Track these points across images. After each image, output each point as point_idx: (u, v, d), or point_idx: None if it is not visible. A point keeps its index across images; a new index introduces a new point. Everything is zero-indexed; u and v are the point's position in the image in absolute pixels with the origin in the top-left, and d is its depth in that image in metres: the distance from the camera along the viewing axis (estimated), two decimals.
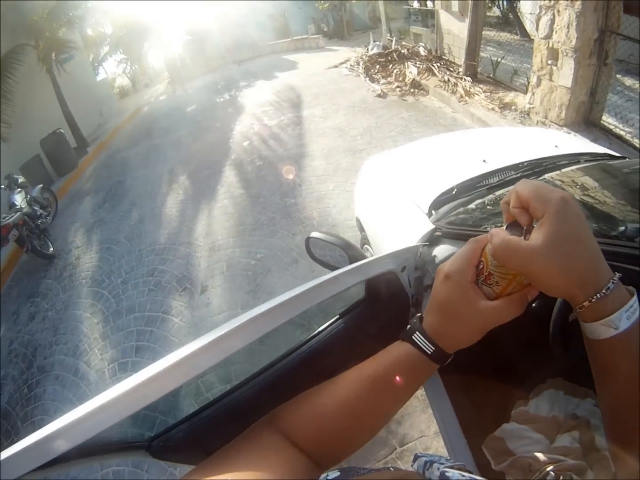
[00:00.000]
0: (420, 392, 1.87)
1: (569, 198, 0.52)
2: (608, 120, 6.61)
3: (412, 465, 0.72)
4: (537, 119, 6.54)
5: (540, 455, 1.43)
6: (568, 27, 5.55)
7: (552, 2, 5.70)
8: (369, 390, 0.66)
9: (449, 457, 0.86)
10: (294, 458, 0.62)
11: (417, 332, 0.64)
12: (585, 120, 6.24)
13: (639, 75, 11.43)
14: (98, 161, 9.22)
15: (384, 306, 1.25)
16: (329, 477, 0.65)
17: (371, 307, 1.25)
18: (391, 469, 0.74)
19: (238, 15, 19.37)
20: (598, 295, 0.50)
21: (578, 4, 5.32)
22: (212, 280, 3.93)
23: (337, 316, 1.17)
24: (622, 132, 6.27)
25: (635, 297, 0.52)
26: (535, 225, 0.54)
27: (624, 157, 2.70)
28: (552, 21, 5.79)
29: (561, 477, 1.29)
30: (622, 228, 1.41)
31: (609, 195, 1.71)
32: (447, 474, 0.62)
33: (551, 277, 0.53)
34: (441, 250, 1.44)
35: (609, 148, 5.18)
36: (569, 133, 5.87)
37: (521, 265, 0.54)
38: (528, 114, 6.81)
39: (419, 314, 0.67)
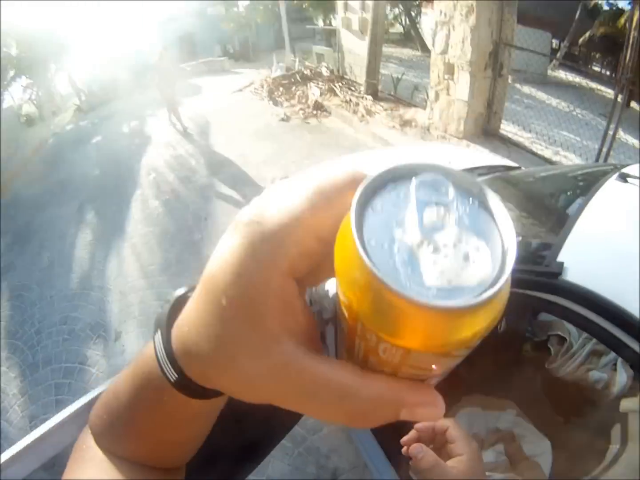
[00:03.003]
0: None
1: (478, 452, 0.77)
2: (508, 128, 6.87)
3: None
4: (437, 134, 6.70)
5: None
6: (463, 42, 5.70)
7: (448, 18, 5.85)
8: (112, 407, 0.42)
9: None
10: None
11: (160, 334, 0.34)
12: (484, 131, 6.39)
13: (536, 82, 12.34)
14: (4, 198, 8.70)
15: None
16: None
17: None
18: None
19: (145, 36, 18.78)
20: None
21: (472, 19, 5.49)
22: (125, 325, 3.93)
23: None
24: (521, 139, 6.54)
25: None
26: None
27: (519, 167, 2.87)
28: (448, 36, 5.95)
29: None
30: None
31: (510, 210, 1.76)
32: None
33: None
34: (332, 285, 1.48)
35: (507, 157, 5.48)
36: (468, 145, 6.08)
37: None
38: (428, 129, 6.97)
39: (183, 290, 0.38)
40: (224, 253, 0.27)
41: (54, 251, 5.68)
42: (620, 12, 17.18)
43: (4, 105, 15.82)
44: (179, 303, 0.34)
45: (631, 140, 7.69)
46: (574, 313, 0.91)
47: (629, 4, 15.38)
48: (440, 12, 6.00)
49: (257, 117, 9.50)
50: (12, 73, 16.92)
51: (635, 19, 5.07)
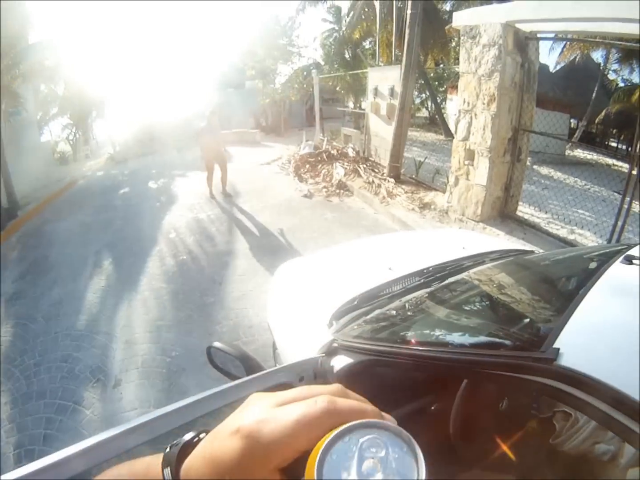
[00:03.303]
0: None
1: None
2: (525, 209, 6.94)
3: None
4: (455, 217, 6.82)
5: None
6: (484, 129, 5.87)
7: (471, 106, 6.06)
8: None
9: None
10: None
11: (170, 470, 0.47)
12: (501, 214, 6.46)
13: (554, 163, 12.65)
14: (27, 228, 9.01)
15: None
16: None
17: None
18: None
19: (184, 100, 19.67)
20: None
21: (494, 107, 5.66)
22: (126, 374, 3.90)
23: None
24: (538, 220, 6.59)
25: None
26: None
27: (532, 251, 2.89)
28: (470, 124, 6.13)
29: None
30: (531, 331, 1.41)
31: (512, 296, 1.79)
32: None
33: None
34: (338, 361, 1.48)
35: (523, 238, 5.66)
36: (484, 228, 6.15)
37: None
38: (446, 213, 7.11)
39: (189, 436, 0.50)
40: (231, 448, 0.41)
41: (66, 289, 5.74)
42: (635, 87, 17.87)
43: (42, 139, 16.30)
44: (185, 447, 0.48)
45: None
46: (571, 396, 0.92)
47: None
48: (464, 101, 6.28)
49: (282, 191, 9.74)
50: (54, 110, 17.60)
51: None
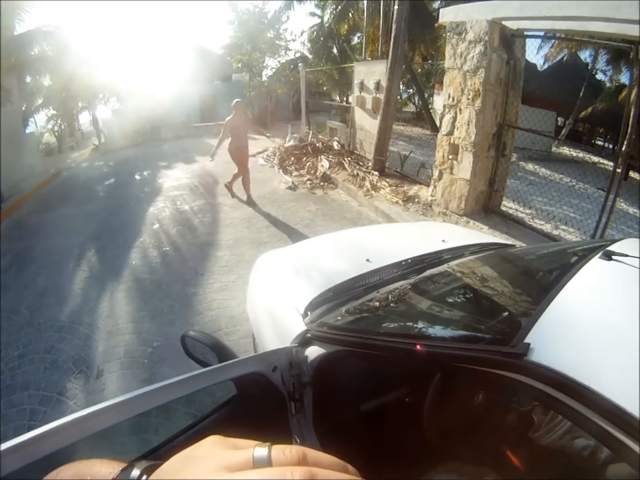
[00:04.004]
0: None
1: None
2: (509, 204, 6.96)
3: None
4: (439, 210, 6.82)
5: None
6: (468, 124, 5.88)
7: (455, 102, 6.06)
8: None
9: None
10: None
11: None
12: (485, 208, 6.46)
13: (540, 159, 12.82)
14: (11, 220, 8.93)
15: (255, 405, 1.32)
16: None
17: (242, 406, 1.31)
18: None
19: (170, 92, 19.45)
20: None
21: (478, 102, 5.68)
22: (109, 365, 3.90)
23: (209, 412, 1.26)
24: (522, 215, 6.60)
25: None
26: None
27: (512, 245, 2.93)
28: (454, 119, 6.13)
29: None
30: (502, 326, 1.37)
31: (488, 290, 1.77)
32: None
33: None
34: (312, 352, 1.48)
35: (507, 233, 5.70)
36: (468, 222, 6.15)
37: None
38: (430, 206, 7.12)
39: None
40: None
41: (49, 280, 5.73)
42: (622, 87, 18.21)
43: (27, 130, 16.16)
44: None
45: (632, 209, 7.99)
46: (542, 393, 0.90)
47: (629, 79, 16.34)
48: (449, 96, 6.31)
49: (266, 183, 9.71)
50: (40, 101, 17.42)
51: (633, 94, 5.17)
